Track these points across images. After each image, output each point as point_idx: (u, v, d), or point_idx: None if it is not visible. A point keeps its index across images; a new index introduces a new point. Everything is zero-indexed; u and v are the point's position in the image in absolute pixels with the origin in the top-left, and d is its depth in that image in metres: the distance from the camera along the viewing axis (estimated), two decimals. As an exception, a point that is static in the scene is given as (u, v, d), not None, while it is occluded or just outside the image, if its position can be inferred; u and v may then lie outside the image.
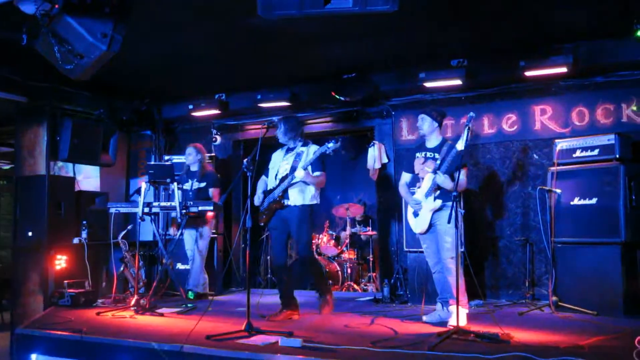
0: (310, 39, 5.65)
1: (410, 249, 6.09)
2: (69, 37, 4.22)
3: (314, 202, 5.29)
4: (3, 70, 6.16)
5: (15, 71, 6.22)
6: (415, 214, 5.02)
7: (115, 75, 5.95)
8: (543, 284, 6.05)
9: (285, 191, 5.22)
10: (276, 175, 5.33)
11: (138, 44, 5.28)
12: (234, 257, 7.73)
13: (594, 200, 5.29)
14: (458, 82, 6.20)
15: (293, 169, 5.19)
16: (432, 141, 5.02)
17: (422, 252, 5.88)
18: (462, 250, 5.78)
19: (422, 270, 5.91)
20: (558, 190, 5.52)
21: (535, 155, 6.33)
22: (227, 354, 3.90)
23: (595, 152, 5.42)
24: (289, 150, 5.41)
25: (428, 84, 6.33)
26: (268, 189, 5.37)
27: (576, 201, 5.41)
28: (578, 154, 5.53)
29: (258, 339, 4.12)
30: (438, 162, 4.84)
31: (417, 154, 5.09)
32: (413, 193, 5.11)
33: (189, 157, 6.48)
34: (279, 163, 5.38)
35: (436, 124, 4.99)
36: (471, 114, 4.53)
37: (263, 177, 5.53)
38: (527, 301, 5.91)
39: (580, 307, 5.15)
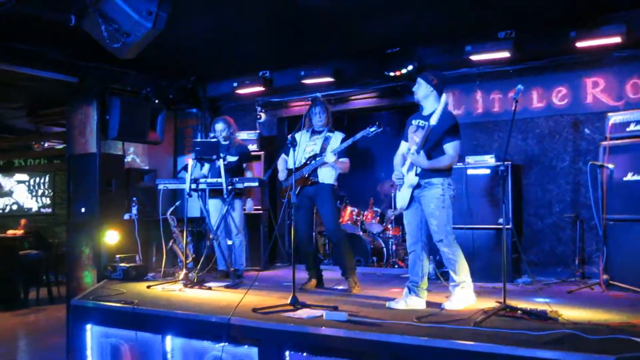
0: (353, 13, 5.59)
1: (455, 225, 5.98)
2: (116, 16, 4.31)
3: (337, 183, 5.43)
4: (53, 51, 6.33)
5: (65, 52, 6.38)
6: (400, 188, 4.62)
7: (161, 53, 6.03)
8: (593, 262, 5.89)
9: (314, 170, 5.32)
10: (302, 154, 5.40)
11: (183, 23, 5.33)
12: (279, 233, 7.81)
13: (648, 176, 5.11)
14: (506, 54, 6.02)
15: (323, 149, 5.30)
16: (427, 109, 4.50)
17: (467, 228, 5.86)
18: (509, 226, 5.70)
19: (467, 247, 5.79)
20: (611, 166, 5.32)
21: (586, 130, 6.12)
22: (273, 326, 3.96)
23: (651, 125, 5.22)
24: (314, 132, 5.50)
25: (474, 57, 6.16)
26: (290, 167, 5.37)
27: (630, 177, 5.22)
28: (632, 127, 5.31)
29: (303, 313, 4.18)
30: (422, 133, 4.38)
31: (413, 121, 4.63)
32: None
33: (223, 132, 6.27)
34: (306, 143, 5.46)
35: (432, 89, 4.49)
36: (519, 86, 4.21)
37: (283, 155, 5.59)
38: (577, 279, 5.78)
39: (633, 286, 4.98)
